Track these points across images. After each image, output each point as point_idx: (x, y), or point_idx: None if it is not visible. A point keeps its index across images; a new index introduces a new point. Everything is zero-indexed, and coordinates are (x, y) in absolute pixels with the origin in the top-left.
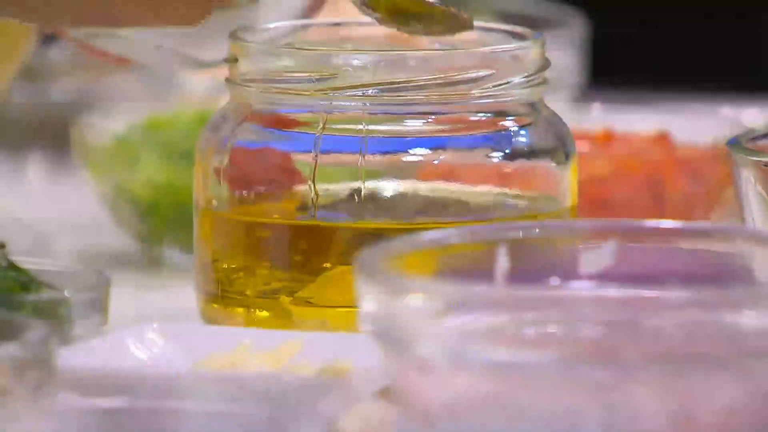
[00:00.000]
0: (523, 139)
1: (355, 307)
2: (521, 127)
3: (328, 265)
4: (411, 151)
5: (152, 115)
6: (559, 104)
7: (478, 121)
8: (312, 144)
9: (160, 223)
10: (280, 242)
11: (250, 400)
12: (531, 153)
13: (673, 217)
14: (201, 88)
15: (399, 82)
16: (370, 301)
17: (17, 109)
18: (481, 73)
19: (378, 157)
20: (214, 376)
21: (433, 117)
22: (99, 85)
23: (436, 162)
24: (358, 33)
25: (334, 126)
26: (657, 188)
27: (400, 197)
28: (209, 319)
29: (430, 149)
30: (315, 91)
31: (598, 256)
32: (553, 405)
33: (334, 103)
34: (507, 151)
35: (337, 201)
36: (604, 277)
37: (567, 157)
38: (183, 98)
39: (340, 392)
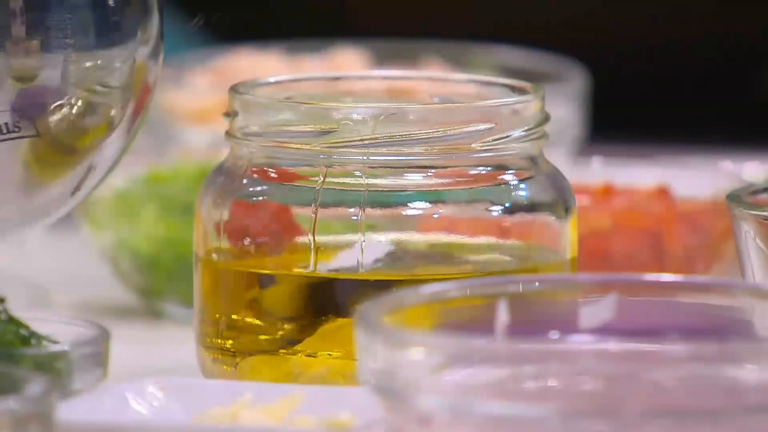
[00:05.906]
0: (522, 193)
1: (355, 360)
2: (521, 180)
3: (328, 317)
4: (411, 205)
5: (152, 168)
6: (560, 158)
7: (477, 174)
8: (312, 197)
9: (160, 277)
10: (280, 295)
11: None
12: (531, 207)
13: (674, 271)
14: (201, 142)
15: (399, 136)
16: (370, 354)
17: None
18: (481, 127)
19: (378, 211)
20: (214, 430)
21: (432, 170)
22: None
23: (435, 215)
24: (358, 86)
25: (334, 179)
26: (657, 242)
27: (400, 250)
28: (209, 373)
29: (430, 203)
30: (315, 144)
31: (598, 310)
32: None
33: (334, 156)
34: (507, 204)
35: (338, 254)
36: (604, 330)
37: (567, 210)
38: (183, 152)
39: None
